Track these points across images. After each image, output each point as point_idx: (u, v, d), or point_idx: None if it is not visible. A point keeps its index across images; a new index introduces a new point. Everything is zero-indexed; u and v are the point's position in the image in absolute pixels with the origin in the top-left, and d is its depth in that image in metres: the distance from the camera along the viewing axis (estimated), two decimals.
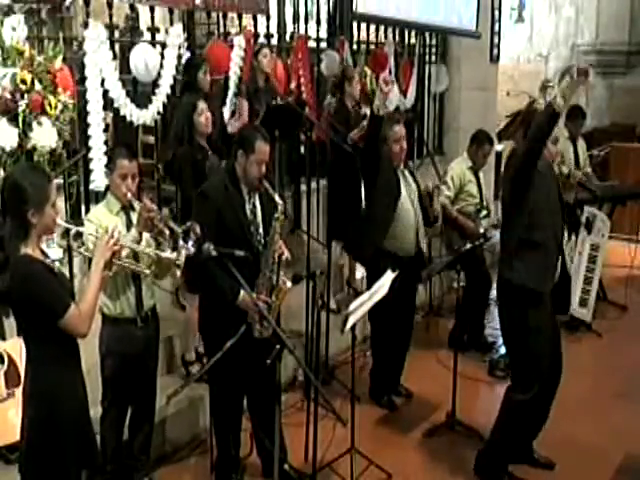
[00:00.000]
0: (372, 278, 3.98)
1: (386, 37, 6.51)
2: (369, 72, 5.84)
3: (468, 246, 4.42)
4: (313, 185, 5.27)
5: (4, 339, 3.33)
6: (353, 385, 3.70)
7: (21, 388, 3.04)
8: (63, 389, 2.50)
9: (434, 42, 7.24)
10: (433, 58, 7.24)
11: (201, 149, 4.15)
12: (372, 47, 6.41)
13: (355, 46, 6.22)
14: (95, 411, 2.93)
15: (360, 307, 3.45)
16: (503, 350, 5.02)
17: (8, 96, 3.39)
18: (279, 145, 4.58)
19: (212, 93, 4.65)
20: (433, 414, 4.31)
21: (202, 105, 4.15)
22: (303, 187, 5.31)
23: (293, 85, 5.34)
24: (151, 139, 4.98)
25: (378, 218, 4.22)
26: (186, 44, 4.75)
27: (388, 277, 3.70)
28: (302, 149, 5.31)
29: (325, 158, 4.99)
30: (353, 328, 3.49)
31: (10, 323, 3.17)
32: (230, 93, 4.96)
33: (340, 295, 5.26)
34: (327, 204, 5.00)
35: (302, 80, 5.41)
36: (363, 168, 4.40)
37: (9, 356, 3.29)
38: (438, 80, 7.14)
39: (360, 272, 5.21)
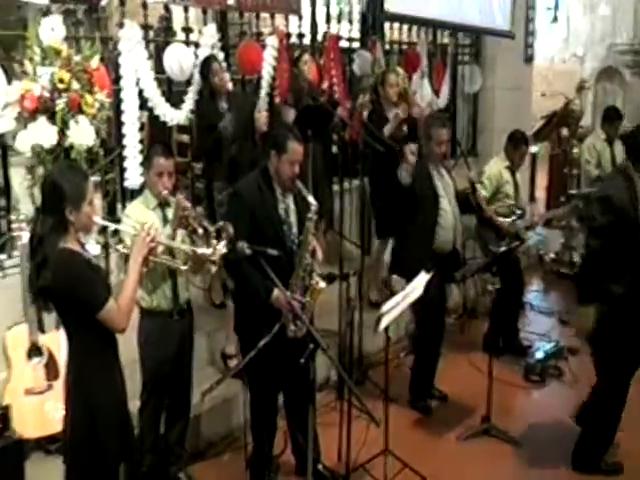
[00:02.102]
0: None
1: (419, 37, 6.55)
2: (402, 72, 5.86)
3: (504, 248, 4.43)
4: (346, 185, 5.31)
5: (43, 332, 3.43)
6: (387, 386, 3.73)
7: (60, 381, 3.16)
8: (103, 382, 2.58)
9: (467, 42, 7.28)
10: (466, 58, 7.27)
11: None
12: (405, 47, 6.47)
13: (388, 46, 6.28)
14: (132, 405, 2.99)
15: (394, 308, 3.48)
16: (539, 355, 5.01)
17: (47, 95, 3.50)
18: (312, 145, 4.64)
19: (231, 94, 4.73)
20: (467, 418, 4.32)
21: (262, 103, 4.28)
22: (336, 187, 5.36)
23: (325, 85, 5.40)
24: (185, 138, 5.09)
25: (421, 230, 4.22)
26: (219, 44, 4.86)
27: (422, 278, 3.73)
28: (335, 149, 5.35)
29: (358, 158, 5.04)
30: (387, 329, 3.51)
31: (49, 317, 3.26)
32: (263, 93, 5.06)
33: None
34: (361, 205, 5.03)
35: (334, 80, 5.47)
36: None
37: (48, 349, 3.40)
38: (471, 80, 7.16)
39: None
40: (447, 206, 4.31)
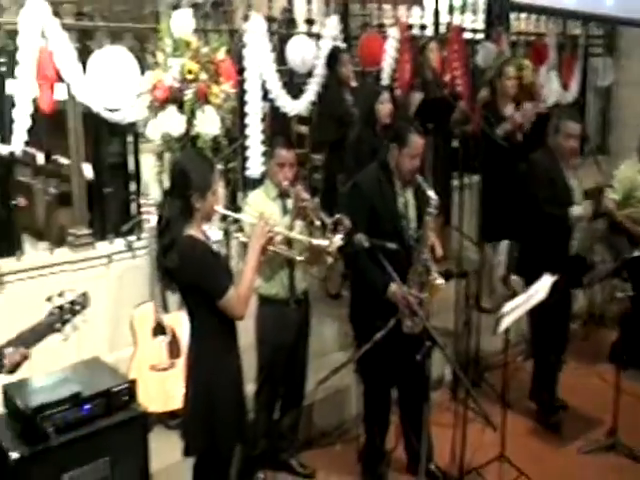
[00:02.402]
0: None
1: (547, 28, 6.36)
2: (529, 64, 5.71)
3: (636, 253, 4.21)
4: (465, 180, 5.27)
5: (167, 312, 3.62)
6: (504, 390, 3.66)
7: (181, 359, 3.33)
8: (222, 364, 2.69)
9: (600, 33, 6.99)
10: (599, 50, 6.99)
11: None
12: (532, 38, 6.33)
13: (514, 37, 6.17)
14: (248, 389, 3.09)
15: (515, 309, 3.41)
16: None
17: (176, 85, 3.68)
18: (433, 139, 4.63)
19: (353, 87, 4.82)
20: (590, 431, 4.15)
21: (386, 95, 4.35)
22: (455, 182, 5.30)
23: (447, 77, 5.36)
24: (303, 129, 5.21)
25: (555, 232, 4.02)
26: (341, 36, 4.94)
27: (547, 280, 3.62)
28: (455, 143, 5.31)
29: (478, 153, 4.97)
30: (507, 331, 3.45)
31: (173, 298, 3.44)
32: (383, 83, 5.10)
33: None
34: (480, 201, 4.96)
35: (457, 72, 5.43)
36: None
37: (172, 328, 3.59)
38: (604, 73, 6.88)
39: None
40: (578, 206, 4.14)
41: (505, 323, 3.36)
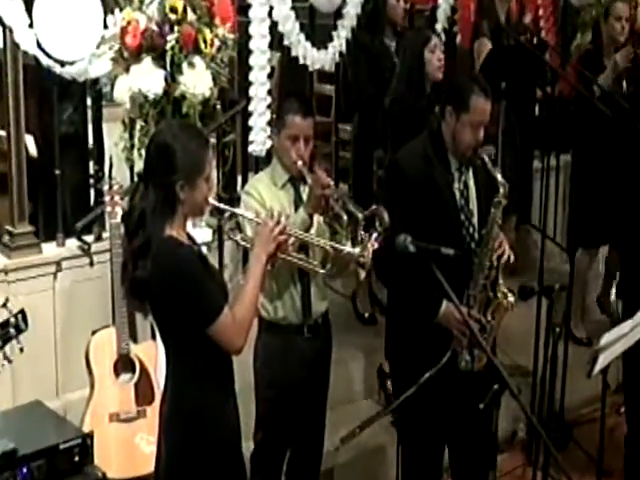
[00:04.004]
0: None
1: None
2: None
3: None
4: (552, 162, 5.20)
5: (136, 342, 3.62)
6: (601, 453, 3.61)
7: (154, 406, 3.32)
8: (210, 415, 2.66)
9: None
10: None
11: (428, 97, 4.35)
12: None
13: None
14: (246, 447, 3.09)
15: (616, 342, 3.40)
16: None
17: (155, 28, 3.67)
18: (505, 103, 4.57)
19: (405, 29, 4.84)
20: None
21: (436, 40, 4.33)
22: (537, 164, 5.30)
23: (528, 19, 5.36)
24: (327, 89, 5.18)
25: None
26: None
27: None
28: (537, 109, 5.27)
29: (569, 123, 4.90)
30: (605, 372, 3.42)
31: (144, 323, 3.44)
32: (438, 27, 5.07)
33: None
34: (571, 191, 4.92)
35: (541, 12, 5.45)
36: None
37: (141, 364, 3.58)
38: None
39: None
40: None
41: (603, 361, 3.34)
